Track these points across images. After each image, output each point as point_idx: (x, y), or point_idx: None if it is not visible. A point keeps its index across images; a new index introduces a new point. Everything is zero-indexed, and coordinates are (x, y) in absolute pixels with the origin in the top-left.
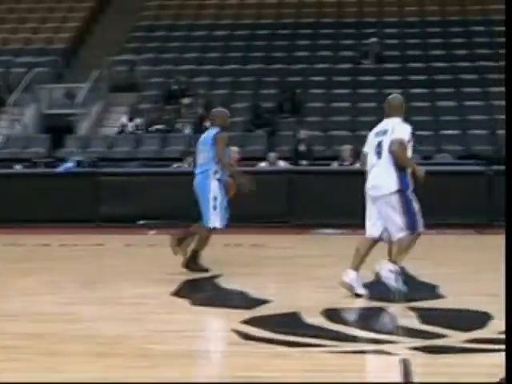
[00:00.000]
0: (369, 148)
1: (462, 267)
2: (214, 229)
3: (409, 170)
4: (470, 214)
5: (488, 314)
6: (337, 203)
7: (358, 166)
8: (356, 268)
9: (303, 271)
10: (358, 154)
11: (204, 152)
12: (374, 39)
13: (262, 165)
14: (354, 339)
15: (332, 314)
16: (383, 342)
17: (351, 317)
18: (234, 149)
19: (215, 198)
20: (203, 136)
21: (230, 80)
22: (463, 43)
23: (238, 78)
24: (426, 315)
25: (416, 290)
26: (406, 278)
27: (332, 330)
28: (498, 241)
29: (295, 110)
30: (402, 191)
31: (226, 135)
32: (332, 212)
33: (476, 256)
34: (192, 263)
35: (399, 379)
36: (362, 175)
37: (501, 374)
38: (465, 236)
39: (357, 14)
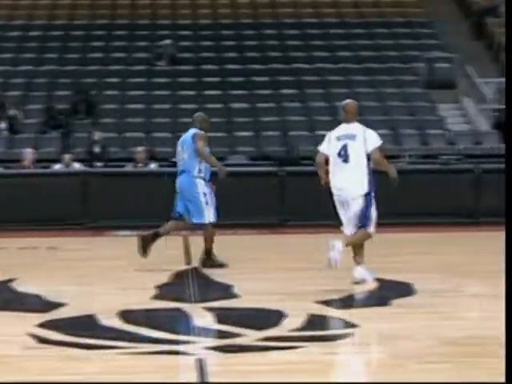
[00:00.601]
0: (329, 150)
1: (255, 267)
2: (210, 223)
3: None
4: (263, 215)
5: (281, 312)
6: (131, 205)
7: (152, 167)
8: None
9: (99, 273)
10: (151, 156)
11: (185, 151)
12: (168, 41)
13: (57, 167)
14: (150, 340)
15: (128, 316)
16: (179, 342)
17: (147, 318)
18: (29, 150)
19: (205, 194)
20: (182, 136)
21: (24, 81)
22: (255, 46)
23: (31, 79)
24: (221, 315)
25: (211, 289)
26: (201, 278)
27: (128, 332)
28: (290, 240)
29: (90, 112)
30: (369, 194)
31: (204, 133)
32: (127, 214)
33: (269, 255)
34: (209, 261)
35: (195, 379)
36: (157, 176)
37: (294, 370)
38: (258, 236)
39: (150, 16)
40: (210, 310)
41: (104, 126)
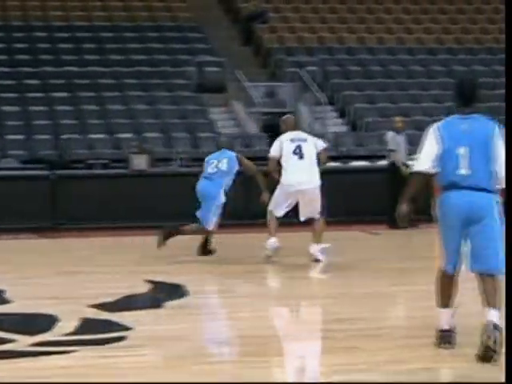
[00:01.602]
0: (282, 151)
1: (26, 271)
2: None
3: None
4: (34, 218)
5: (54, 317)
6: None
7: None
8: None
9: None
10: None
11: (223, 164)
12: None
13: None
14: None
15: None
16: None
17: None
18: None
19: (218, 207)
20: (222, 151)
21: None
22: (25, 48)
23: None
24: None
25: None
26: None
27: None
28: (63, 243)
29: None
30: (322, 185)
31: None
32: None
33: (39, 259)
34: (205, 249)
35: None
36: None
37: (67, 374)
38: (27, 240)
39: None
40: None
41: None
